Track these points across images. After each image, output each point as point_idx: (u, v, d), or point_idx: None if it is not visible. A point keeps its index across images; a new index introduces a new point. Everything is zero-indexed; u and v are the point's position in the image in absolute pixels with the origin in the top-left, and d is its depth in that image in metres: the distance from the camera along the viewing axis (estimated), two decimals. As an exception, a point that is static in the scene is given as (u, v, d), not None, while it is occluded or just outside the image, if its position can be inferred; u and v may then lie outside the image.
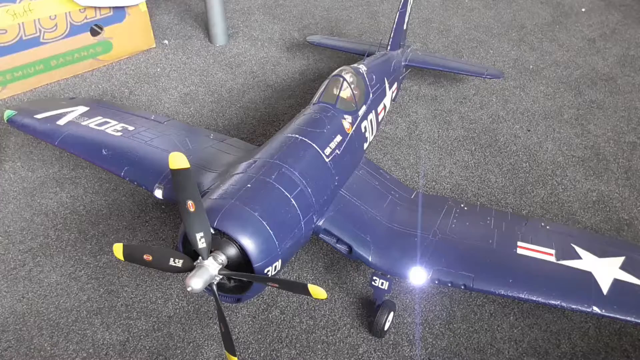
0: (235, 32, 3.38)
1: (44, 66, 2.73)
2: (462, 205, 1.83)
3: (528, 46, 3.41)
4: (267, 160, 1.55)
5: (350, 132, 1.86)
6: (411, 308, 1.81)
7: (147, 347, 1.68)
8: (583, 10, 3.89)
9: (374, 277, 1.66)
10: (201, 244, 1.23)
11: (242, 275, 1.31)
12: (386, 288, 1.65)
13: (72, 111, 2.14)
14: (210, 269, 1.24)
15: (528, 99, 2.92)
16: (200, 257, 1.25)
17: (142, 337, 1.70)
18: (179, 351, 1.67)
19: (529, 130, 2.68)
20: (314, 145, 1.67)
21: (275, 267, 1.39)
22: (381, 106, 2.22)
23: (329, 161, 1.69)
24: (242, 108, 2.74)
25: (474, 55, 3.29)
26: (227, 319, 1.44)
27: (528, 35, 3.54)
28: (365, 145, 2.02)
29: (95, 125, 2.04)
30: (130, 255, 1.31)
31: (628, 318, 1.42)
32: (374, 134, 2.13)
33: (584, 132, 2.69)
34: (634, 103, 2.91)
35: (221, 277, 1.27)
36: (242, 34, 3.37)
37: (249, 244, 1.30)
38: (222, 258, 1.28)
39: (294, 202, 1.47)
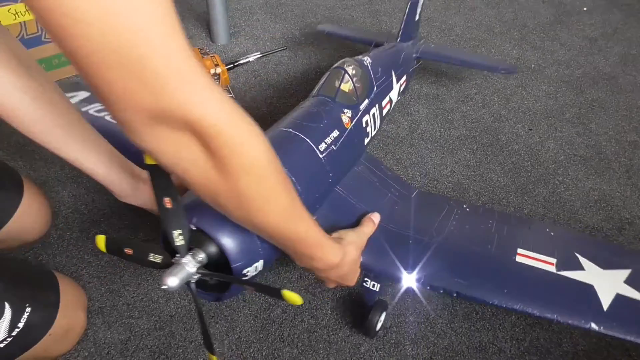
0: (237, 31, 3.37)
1: (46, 65, 2.72)
2: (464, 207, 1.75)
3: (530, 45, 3.40)
4: None
5: (350, 127, 1.76)
6: (413, 307, 1.80)
7: (149, 346, 1.68)
8: (585, 9, 3.88)
9: (365, 279, 1.61)
10: (179, 241, 1.14)
11: (218, 276, 1.23)
12: (377, 290, 1.60)
13: (74, 96, 2.10)
14: (188, 266, 1.15)
15: (530, 98, 2.91)
16: (178, 255, 1.17)
17: (143, 336, 1.70)
18: (181, 350, 1.67)
19: (530, 129, 2.68)
20: (307, 140, 1.56)
21: (256, 267, 1.30)
22: (386, 100, 2.11)
23: (323, 157, 1.59)
24: (244, 107, 2.69)
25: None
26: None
27: (530, 34, 3.54)
28: (367, 141, 1.93)
29: (94, 111, 1.98)
30: (112, 248, 1.23)
31: (627, 337, 1.31)
32: (377, 128, 2.03)
33: (586, 131, 2.69)
34: (635, 102, 2.91)
35: (200, 275, 1.19)
36: (244, 33, 3.37)
37: (228, 242, 1.21)
38: (201, 256, 1.20)
39: None
